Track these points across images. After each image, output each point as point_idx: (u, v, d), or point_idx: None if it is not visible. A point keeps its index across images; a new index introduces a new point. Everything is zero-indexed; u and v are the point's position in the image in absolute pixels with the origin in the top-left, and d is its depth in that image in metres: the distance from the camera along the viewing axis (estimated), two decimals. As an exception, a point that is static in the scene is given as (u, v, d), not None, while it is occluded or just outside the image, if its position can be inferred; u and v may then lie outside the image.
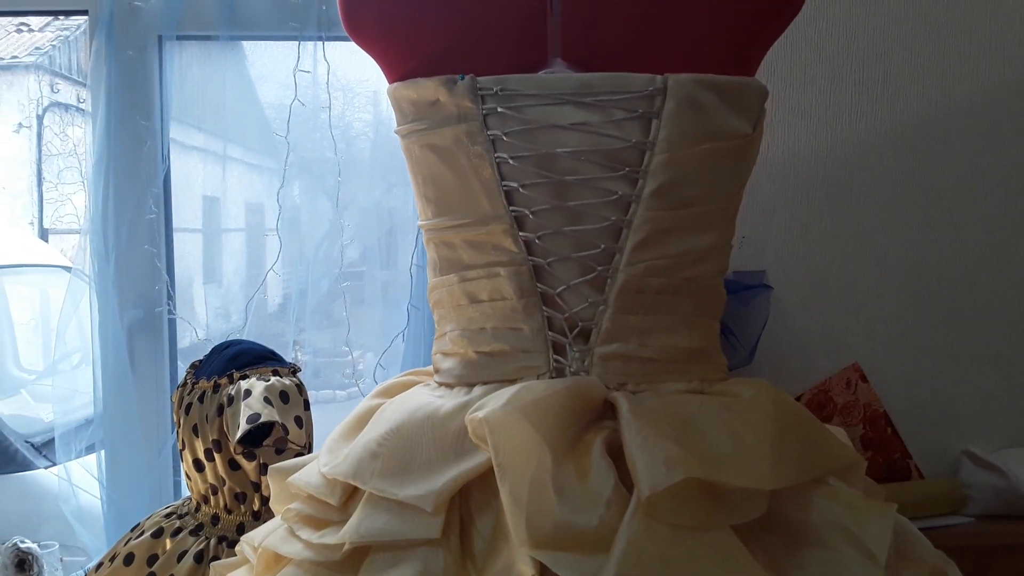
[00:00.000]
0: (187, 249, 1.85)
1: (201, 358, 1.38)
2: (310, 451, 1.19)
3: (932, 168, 1.31)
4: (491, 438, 0.55)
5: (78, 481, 1.76)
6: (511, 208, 0.65)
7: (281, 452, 1.24)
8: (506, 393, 0.58)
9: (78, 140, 2.00)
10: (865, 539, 0.57)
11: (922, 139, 1.30)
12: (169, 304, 1.74)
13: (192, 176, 1.81)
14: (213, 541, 1.22)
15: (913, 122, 1.30)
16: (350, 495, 0.65)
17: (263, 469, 1.24)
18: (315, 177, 1.75)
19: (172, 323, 1.78)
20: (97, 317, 1.71)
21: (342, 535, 0.61)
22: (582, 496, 0.55)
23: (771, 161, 1.31)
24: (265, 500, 1.23)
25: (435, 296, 0.72)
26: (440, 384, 0.70)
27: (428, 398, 0.68)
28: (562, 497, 0.55)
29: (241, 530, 1.24)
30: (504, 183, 0.64)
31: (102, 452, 1.73)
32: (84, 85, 1.75)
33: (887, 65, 1.31)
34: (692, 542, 0.53)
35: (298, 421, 1.25)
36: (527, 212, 0.64)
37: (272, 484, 0.77)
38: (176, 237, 1.81)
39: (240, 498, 1.25)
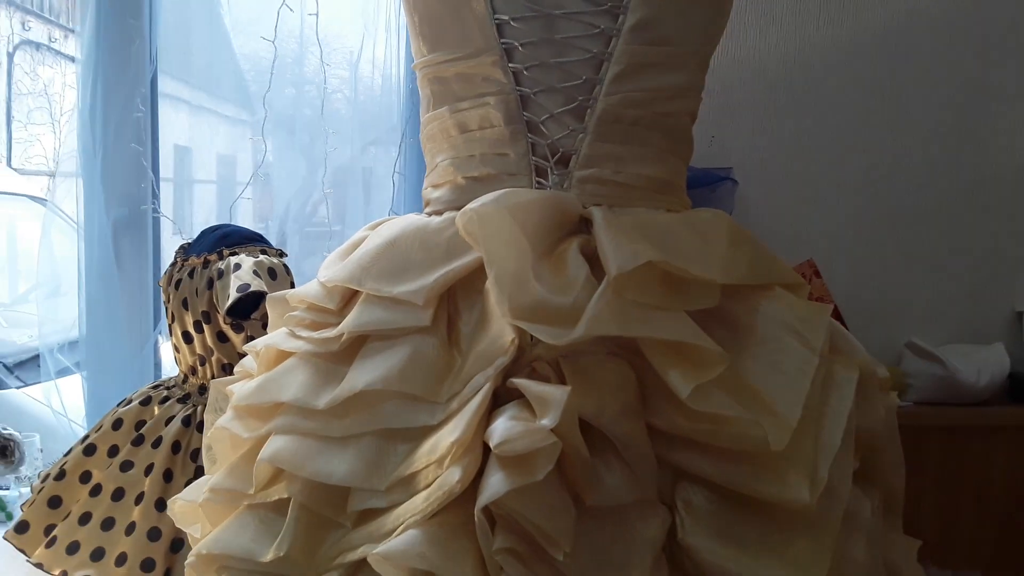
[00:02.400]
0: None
1: (188, 241, 1.43)
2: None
3: (893, 76, 1.39)
4: (480, 229, 0.62)
5: (56, 404, 1.79)
6: (501, 40, 0.70)
7: (267, 326, 1.30)
8: (494, 193, 0.65)
9: (49, 80, 2.00)
10: (803, 331, 0.65)
11: (885, 48, 1.38)
12: (154, 203, 1.77)
13: (163, 123, 1.81)
14: (200, 408, 1.28)
15: (878, 30, 1.37)
16: (347, 301, 0.71)
17: (249, 341, 1.29)
18: (289, 132, 1.76)
19: (156, 222, 1.82)
20: (83, 213, 1.74)
21: (340, 328, 0.67)
22: (558, 282, 0.62)
23: (741, 64, 1.38)
24: (252, 371, 1.28)
25: (428, 131, 0.78)
26: (430, 213, 0.77)
27: (419, 219, 0.74)
28: (541, 282, 0.62)
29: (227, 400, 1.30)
30: (496, 16, 0.70)
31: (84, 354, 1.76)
32: (57, 24, 1.76)
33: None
34: (651, 315, 0.60)
35: (285, 297, 1.29)
36: (516, 44, 0.70)
37: (271, 310, 0.83)
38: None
39: (227, 369, 1.31)
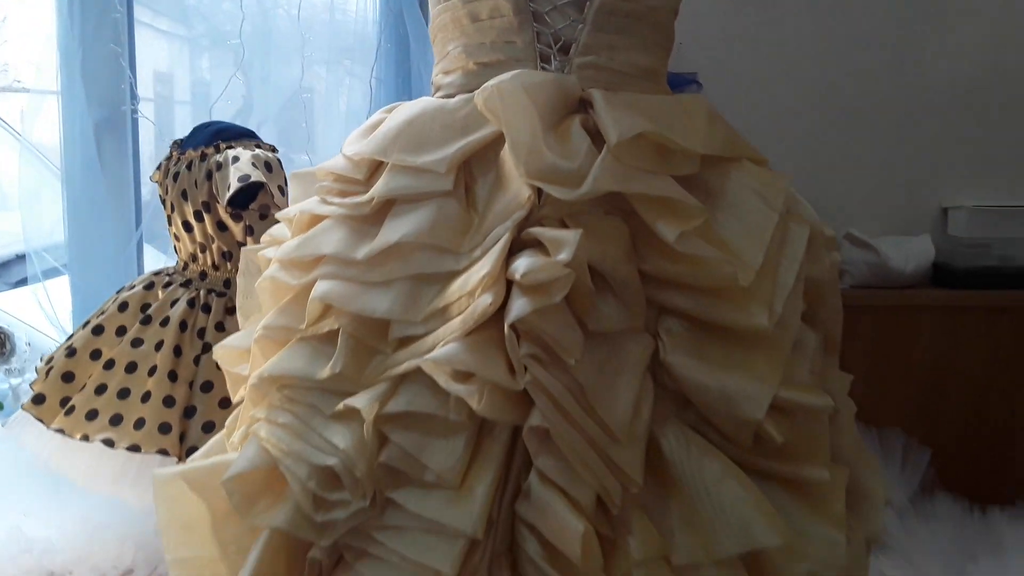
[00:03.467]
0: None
1: (182, 137, 1.49)
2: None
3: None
4: (500, 102, 0.72)
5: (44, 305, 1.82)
6: (512, -62, 0.79)
7: (265, 218, 1.39)
8: (510, 73, 0.75)
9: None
10: (765, 194, 0.77)
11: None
12: (133, 103, 1.80)
13: None
14: (203, 291, 1.37)
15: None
16: (372, 172, 0.81)
17: (249, 231, 1.38)
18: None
19: (135, 122, 1.85)
20: (63, 116, 1.76)
21: (371, 193, 0.77)
22: (565, 150, 0.73)
23: (708, -27, 1.48)
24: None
25: (439, 22, 0.86)
26: (443, 97, 0.86)
27: (436, 101, 0.84)
28: (551, 150, 0.73)
29: (227, 284, 1.39)
30: (508, -85, 0.79)
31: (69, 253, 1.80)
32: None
33: None
34: (644, 176, 0.72)
35: (281, 190, 1.38)
36: (525, -58, 0.79)
37: (293, 187, 0.92)
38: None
39: (227, 256, 1.40)
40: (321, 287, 0.74)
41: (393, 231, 0.74)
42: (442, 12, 0.86)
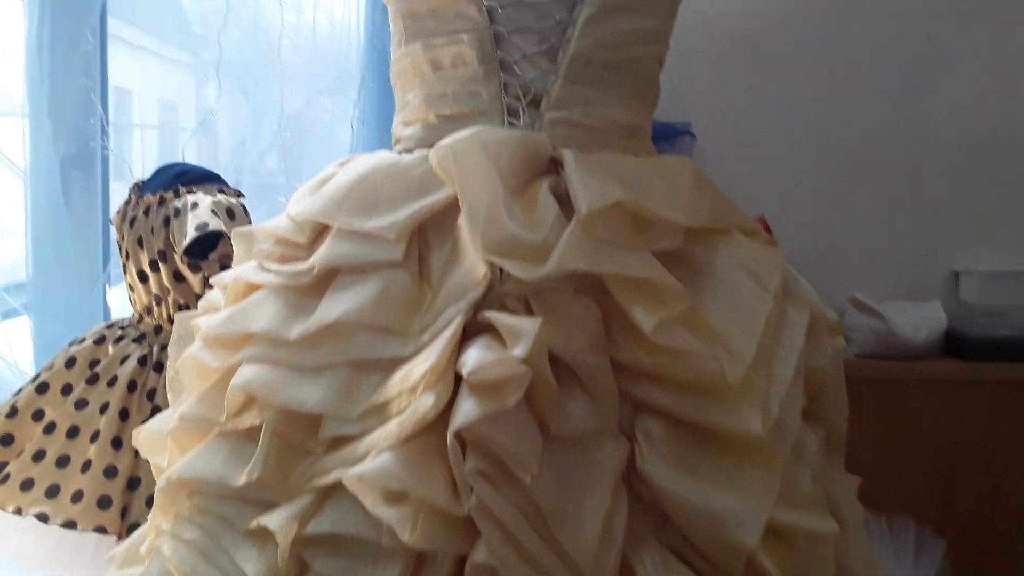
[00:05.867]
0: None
1: (143, 179, 1.40)
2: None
3: (847, 39, 1.43)
4: (455, 164, 0.63)
5: (3, 348, 1.73)
6: (477, -23, 0.71)
7: (225, 267, 1.29)
8: (469, 130, 0.65)
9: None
10: (759, 272, 0.68)
11: (841, 6, 1.41)
12: (103, 140, 1.72)
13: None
14: (156, 348, 1.27)
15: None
16: (317, 236, 0.72)
17: (207, 283, 1.28)
18: (236, 78, 1.71)
19: (105, 160, 1.77)
20: (29, 149, 1.68)
21: (311, 261, 0.67)
22: (530, 220, 0.64)
23: (704, 19, 1.40)
24: (210, 310, 1.28)
25: (399, 68, 0.78)
26: (401, 152, 0.77)
27: (392, 156, 0.74)
28: (512, 218, 0.63)
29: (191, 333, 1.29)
30: (472, -48, 0.70)
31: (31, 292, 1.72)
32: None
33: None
34: (618, 253, 0.62)
35: (243, 238, 1.28)
36: (491, -18, 0.71)
37: (236, 246, 0.83)
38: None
39: (183, 309, 1.30)
40: (244, 373, 0.64)
41: (332, 307, 0.64)
42: (402, 57, 0.77)
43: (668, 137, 1.30)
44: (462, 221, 0.64)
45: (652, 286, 0.61)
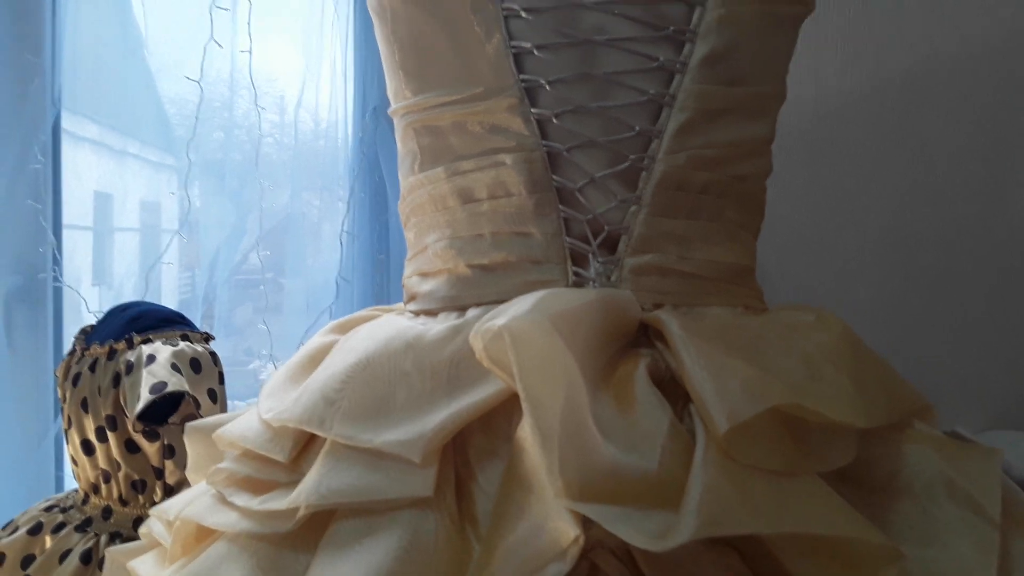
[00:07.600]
0: (76, 248, 1.64)
1: (92, 323, 1.18)
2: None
3: (913, 129, 1.25)
4: (514, 353, 0.41)
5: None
6: (521, 77, 0.50)
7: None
8: (529, 299, 0.43)
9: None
10: (972, 492, 0.45)
11: (907, 94, 1.24)
12: (55, 270, 1.51)
13: (82, 169, 1.63)
14: (104, 538, 1.02)
15: (897, 79, 1.23)
16: (303, 448, 0.49)
17: (167, 451, 1.05)
18: (218, 178, 1.65)
19: (57, 292, 1.56)
20: (-33, 283, 1.48)
21: (295, 497, 0.44)
22: (630, 434, 0.41)
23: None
24: (169, 490, 1.04)
25: (412, 200, 0.56)
26: (418, 313, 0.55)
27: (406, 324, 0.52)
28: (606, 435, 0.41)
29: (138, 526, 1.05)
30: (513, 44, 0.50)
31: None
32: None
33: (871, 17, 1.24)
34: (782, 487, 0.40)
35: (211, 395, 1.07)
36: (542, 83, 0.50)
37: (190, 447, 0.60)
38: (64, 234, 1.60)
39: (138, 487, 1.06)
40: None
41: None
42: (418, 187, 0.56)
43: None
44: (529, 442, 0.42)
45: (842, 545, 0.39)
